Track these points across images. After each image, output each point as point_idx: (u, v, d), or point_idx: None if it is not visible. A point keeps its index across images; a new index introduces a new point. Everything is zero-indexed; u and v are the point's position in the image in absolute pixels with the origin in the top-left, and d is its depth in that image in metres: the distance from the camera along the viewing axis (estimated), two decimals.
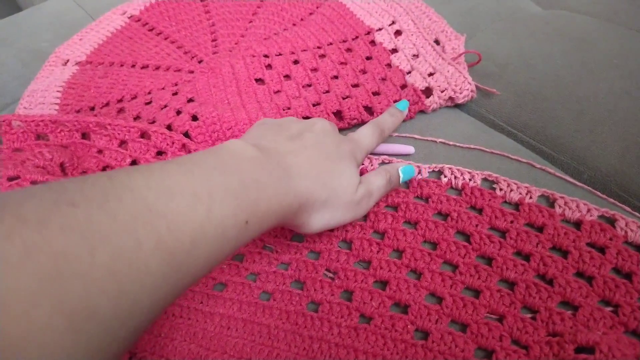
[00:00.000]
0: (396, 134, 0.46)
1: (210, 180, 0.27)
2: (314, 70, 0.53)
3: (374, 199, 0.38)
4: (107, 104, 0.55)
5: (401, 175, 0.39)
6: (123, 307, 0.21)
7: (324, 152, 0.35)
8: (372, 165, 0.43)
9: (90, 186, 0.22)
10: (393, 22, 0.58)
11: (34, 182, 0.39)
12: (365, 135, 0.40)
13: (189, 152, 0.45)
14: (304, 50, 0.56)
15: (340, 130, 0.48)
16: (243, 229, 0.28)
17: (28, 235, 0.18)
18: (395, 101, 0.47)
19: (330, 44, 0.57)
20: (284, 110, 0.47)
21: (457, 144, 0.45)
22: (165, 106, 0.51)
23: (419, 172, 0.41)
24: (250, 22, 0.66)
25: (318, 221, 0.34)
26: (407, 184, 0.41)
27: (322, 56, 0.55)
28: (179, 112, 0.49)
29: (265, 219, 0.29)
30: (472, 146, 0.44)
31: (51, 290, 0.18)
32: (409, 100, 0.47)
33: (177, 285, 0.24)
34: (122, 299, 0.21)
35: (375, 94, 0.48)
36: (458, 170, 0.40)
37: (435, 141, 0.45)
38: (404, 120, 0.48)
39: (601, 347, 0.28)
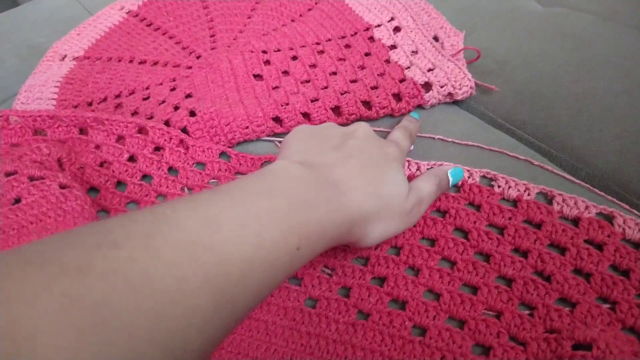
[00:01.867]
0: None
1: (258, 205, 0.25)
2: (313, 66, 0.53)
3: (425, 206, 0.36)
4: (105, 100, 0.54)
5: (450, 178, 0.38)
6: (172, 350, 0.19)
7: (370, 159, 0.33)
8: (419, 170, 0.43)
9: (133, 223, 0.21)
10: (392, 19, 0.58)
11: (31, 177, 0.39)
12: (402, 137, 0.40)
13: (187, 148, 0.45)
14: (303, 46, 0.56)
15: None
16: (295, 254, 0.26)
17: (68, 285, 0.17)
18: (393, 94, 0.47)
19: (329, 40, 0.57)
20: (282, 106, 0.47)
21: (456, 141, 0.45)
22: (163, 102, 0.51)
23: (418, 169, 0.41)
24: (249, 17, 0.65)
25: (373, 234, 0.32)
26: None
27: (321, 52, 0.55)
28: (176, 108, 0.49)
29: (319, 241, 0.28)
30: (470, 143, 0.44)
31: (93, 342, 0.17)
32: (408, 93, 0.47)
33: (228, 320, 0.23)
34: (171, 342, 0.19)
35: (374, 88, 0.48)
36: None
37: (434, 138, 0.45)
38: (402, 115, 0.48)
39: (598, 343, 0.28)
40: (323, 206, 0.28)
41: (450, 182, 0.38)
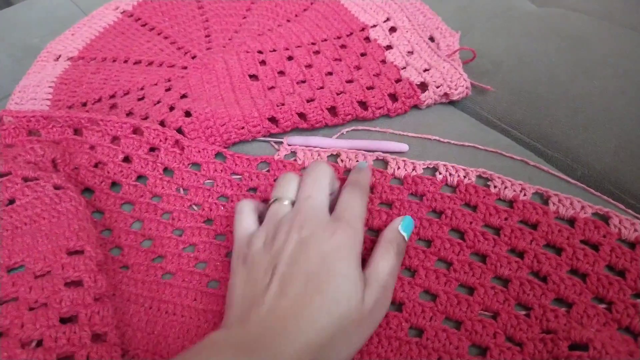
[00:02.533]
0: (390, 131, 0.46)
1: None
2: (308, 66, 0.53)
3: (390, 288, 0.32)
4: (100, 100, 0.54)
5: (404, 234, 0.35)
6: None
7: (308, 282, 0.29)
8: (366, 162, 0.42)
9: None
10: (388, 19, 0.58)
11: (25, 178, 0.39)
12: (351, 205, 0.34)
13: (182, 148, 0.45)
14: (298, 46, 0.56)
15: (335, 126, 0.48)
16: None
17: None
18: (389, 95, 0.47)
19: (325, 40, 0.56)
20: (277, 106, 0.46)
21: (451, 141, 0.45)
22: (158, 102, 0.50)
23: (414, 169, 0.41)
24: (244, 17, 0.65)
25: None
26: (402, 180, 0.41)
27: (317, 52, 0.55)
28: (172, 108, 0.49)
29: None
30: (466, 143, 0.44)
31: None
32: (404, 93, 0.47)
33: None
34: None
35: (370, 88, 0.48)
36: (453, 167, 0.40)
37: (430, 138, 0.45)
38: (398, 116, 0.48)
39: (595, 343, 0.28)
40: None
41: (406, 238, 0.35)
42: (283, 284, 0.29)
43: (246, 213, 0.36)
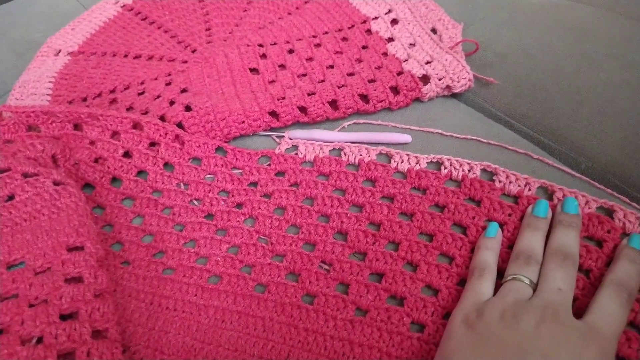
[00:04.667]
0: (392, 124, 0.46)
1: None
2: (309, 59, 0.52)
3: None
4: (100, 95, 0.54)
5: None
6: None
7: None
8: (369, 156, 0.42)
9: None
10: (389, 11, 0.57)
11: (25, 174, 0.38)
12: (611, 312, 0.28)
13: (182, 143, 0.44)
14: (299, 39, 0.56)
15: (336, 119, 0.47)
16: None
17: None
18: (391, 87, 0.47)
19: (326, 32, 0.56)
20: (278, 100, 0.46)
21: (454, 135, 0.44)
22: (159, 96, 0.50)
23: (417, 162, 0.41)
24: (245, 11, 0.65)
25: None
26: (405, 174, 0.41)
27: (318, 45, 0.54)
28: (172, 103, 0.48)
29: None
30: (469, 137, 0.44)
31: None
32: (406, 86, 0.47)
33: None
34: None
35: (371, 81, 0.47)
36: (457, 161, 0.40)
37: (432, 132, 0.45)
38: (399, 109, 0.48)
39: None
40: None
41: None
42: None
43: (487, 279, 0.32)
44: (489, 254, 0.33)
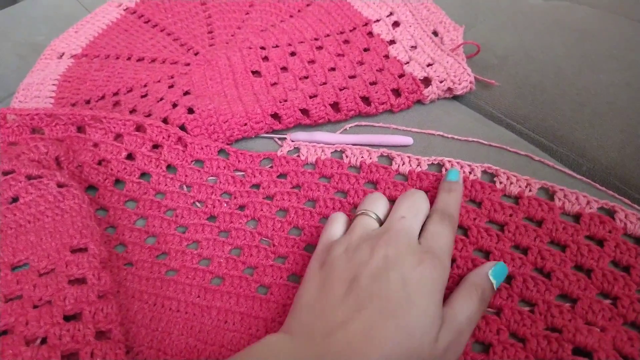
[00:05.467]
0: (393, 126, 0.46)
1: None
2: (311, 62, 0.52)
3: (466, 335, 0.29)
4: (103, 97, 0.54)
5: (494, 282, 0.31)
6: None
7: (386, 305, 0.27)
8: (371, 158, 0.42)
9: None
10: (391, 14, 0.57)
11: (29, 176, 0.39)
12: (439, 233, 0.32)
13: (185, 145, 0.45)
14: (301, 42, 0.56)
15: (338, 122, 0.48)
16: None
17: None
18: (393, 90, 0.47)
19: (328, 35, 0.56)
20: (280, 102, 0.46)
21: (456, 137, 0.44)
22: (161, 99, 0.50)
23: (419, 164, 0.41)
24: (247, 13, 0.65)
25: None
26: (406, 176, 0.41)
27: (319, 48, 0.54)
28: (175, 105, 0.49)
29: None
30: (470, 139, 0.44)
31: None
32: (407, 89, 0.47)
33: None
34: None
35: (373, 84, 0.48)
36: (458, 163, 0.40)
37: (434, 134, 0.45)
38: (401, 111, 0.48)
39: (599, 354, 0.28)
40: None
41: (495, 287, 0.31)
42: (359, 300, 0.28)
43: (337, 222, 0.35)
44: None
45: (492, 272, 0.31)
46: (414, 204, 0.34)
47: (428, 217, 0.34)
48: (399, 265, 0.29)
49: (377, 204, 0.35)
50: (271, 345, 0.27)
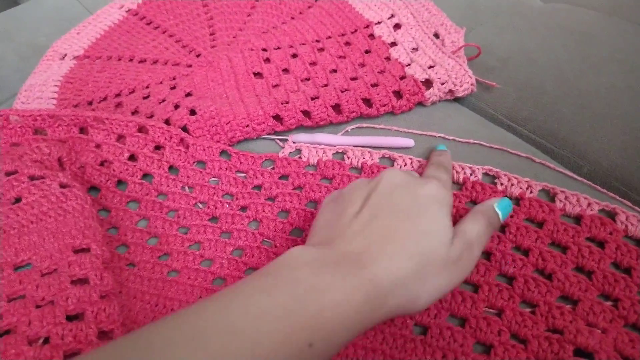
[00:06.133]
0: (395, 128, 0.46)
1: (254, 306, 0.23)
2: (313, 64, 0.53)
3: (477, 250, 0.31)
4: (105, 99, 0.54)
5: (499, 212, 0.33)
6: None
7: (399, 213, 0.30)
8: (372, 159, 0.42)
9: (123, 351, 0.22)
10: (392, 16, 0.57)
11: (31, 177, 0.39)
12: (438, 173, 0.36)
13: (187, 146, 0.45)
14: (303, 43, 0.56)
15: (339, 123, 0.48)
16: (308, 352, 0.23)
17: None
18: (394, 92, 0.47)
19: (329, 37, 0.56)
20: (282, 104, 0.46)
21: (457, 139, 0.44)
22: (163, 100, 0.50)
23: (420, 166, 0.41)
24: (249, 15, 0.65)
25: (421, 299, 0.28)
26: None
27: (321, 50, 0.55)
28: (177, 107, 0.49)
29: (338, 329, 0.24)
30: (471, 141, 0.44)
31: None
32: (408, 90, 0.47)
33: None
34: None
35: (374, 85, 0.48)
36: (459, 165, 0.40)
37: (435, 136, 0.45)
38: (402, 113, 0.48)
39: (600, 355, 0.28)
40: (338, 287, 0.25)
41: (500, 217, 0.33)
42: (374, 211, 0.30)
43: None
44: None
45: (498, 205, 0.34)
46: (440, 173, 0.37)
47: (425, 168, 0.39)
48: (407, 185, 0.32)
49: None
50: (296, 253, 0.27)
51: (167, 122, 0.47)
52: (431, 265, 0.28)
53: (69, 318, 0.32)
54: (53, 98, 0.55)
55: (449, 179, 0.37)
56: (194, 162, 0.45)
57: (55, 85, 0.57)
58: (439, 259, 0.28)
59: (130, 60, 0.61)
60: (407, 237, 0.28)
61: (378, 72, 0.50)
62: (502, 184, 0.38)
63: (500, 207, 0.33)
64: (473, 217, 0.32)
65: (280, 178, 0.43)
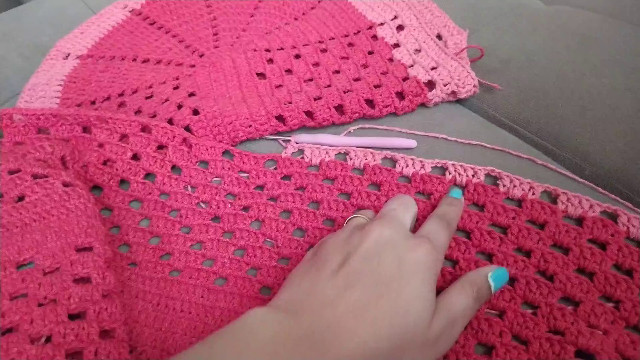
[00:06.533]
0: (397, 129, 0.46)
1: None
2: (316, 64, 0.53)
3: (460, 326, 0.29)
4: (108, 98, 0.54)
5: (492, 284, 0.31)
6: None
7: (378, 283, 0.27)
8: (374, 160, 0.42)
9: None
10: (395, 17, 0.58)
11: (34, 175, 0.39)
12: (436, 230, 0.33)
13: (190, 146, 0.45)
14: (306, 44, 0.56)
15: (342, 124, 0.48)
16: None
17: None
18: (397, 93, 0.47)
19: (332, 38, 0.56)
20: (285, 104, 0.47)
21: (459, 140, 0.44)
22: (166, 100, 0.51)
23: (422, 167, 0.41)
24: (252, 16, 0.65)
25: None
26: (409, 178, 0.41)
27: (324, 51, 0.55)
28: (180, 106, 0.49)
29: None
30: (473, 142, 0.44)
31: None
32: (411, 92, 0.47)
33: None
34: None
35: (377, 86, 0.48)
36: (462, 166, 0.40)
37: (437, 137, 0.45)
38: (405, 114, 0.48)
39: (601, 357, 0.28)
40: None
41: (492, 289, 0.31)
42: (350, 278, 0.27)
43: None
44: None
45: (492, 275, 0.31)
46: (404, 201, 0.35)
47: (426, 220, 0.35)
48: (394, 247, 0.29)
49: (367, 213, 0.37)
50: (255, 319, 0.25)
51: (170, 121, 0.47)
52: (405, 347, 0.26)
53: (71, 317, 0.32)
54: (56, 97, 0.55)
55: (447, 239, 0.33)
56: (196, 162, 0.45)
57: (59, 85, 0.57)
58: (415, 340, 0.26)
59: (134, 60, 0.61)
60: (383, 316, 0.26)
61: (381, 73, 0.50)
62: (504, 186, 0.38)
63: (494, 278, 0.31)
64: (461, 287, 0.30)
65: (282, 178, 0.43)
